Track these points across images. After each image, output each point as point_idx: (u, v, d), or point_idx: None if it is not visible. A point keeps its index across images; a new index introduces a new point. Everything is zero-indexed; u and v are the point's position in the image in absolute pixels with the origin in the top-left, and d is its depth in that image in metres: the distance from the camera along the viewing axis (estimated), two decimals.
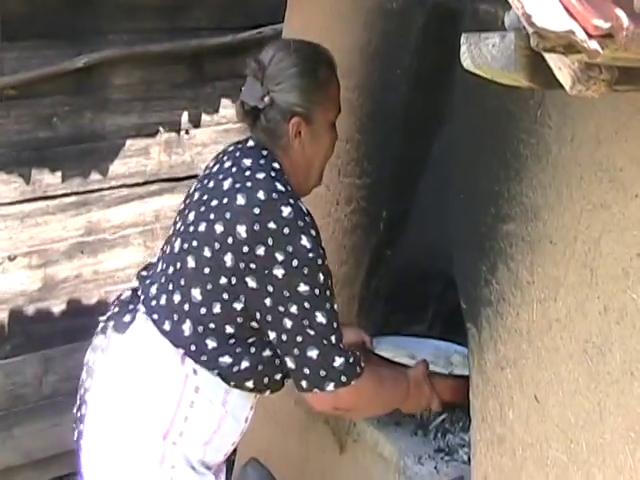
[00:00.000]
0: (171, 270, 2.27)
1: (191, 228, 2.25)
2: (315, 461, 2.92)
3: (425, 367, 2.49)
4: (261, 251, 2.13)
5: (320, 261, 2.17)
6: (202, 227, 2.21)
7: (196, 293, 2.20)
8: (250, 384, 2.25)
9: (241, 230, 2.14)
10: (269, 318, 2.18)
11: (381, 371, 2.41)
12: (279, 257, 2.13)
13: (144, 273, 2.43)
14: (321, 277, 2.17)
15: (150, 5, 4.07)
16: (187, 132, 4.30)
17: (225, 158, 2.34)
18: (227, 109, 4.37)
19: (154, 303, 2.28)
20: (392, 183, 2.69)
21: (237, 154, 2.32)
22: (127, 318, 2.31)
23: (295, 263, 2.13)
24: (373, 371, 2.32)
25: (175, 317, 2.23)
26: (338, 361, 2.20)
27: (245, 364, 2.22)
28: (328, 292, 2.19)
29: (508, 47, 1.39)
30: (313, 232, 2.18)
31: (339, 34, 2.84)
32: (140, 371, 2.26)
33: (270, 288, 2.15)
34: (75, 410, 2.36)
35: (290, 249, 2.13)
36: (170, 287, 2.26)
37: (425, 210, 2.63)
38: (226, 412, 2.27)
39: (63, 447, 3.98)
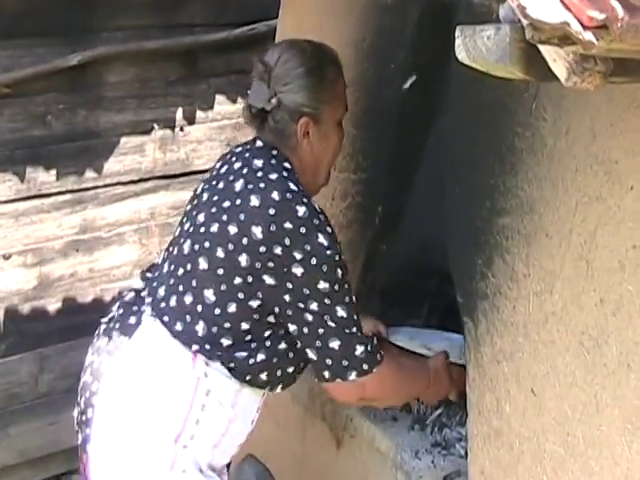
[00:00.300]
0: (181, 271, 2.27)
1: (202, 229, 2.24)
2: (312, 457, 2.91)
3: (445, 358, 2.51)
4: (278, 251, 2.14)
5: (337, 257, 2.19)
6: (214, 228, 2.21)
7: (209, 294, 2.20)
8: (264, 376, 2.25)
9: (256, 231, 2.14)
10: (289, 312, 2.19)
11: (401, 359, 2.45)
12: (297, 256, 2.14)
13: (149, 275, 2.42)
14: (339, 272, 2.19)
15: (144, 2, 4.06)
16: (182, 129, 4.29)
17: (234, 159, 2.33)
18: (222, 105, 4.37)
19: (163, 305, 2.27)
20: (387, 178, 2.69)
21: (246, 155, 2.31)
22: (132, 320, 2.30)
23: (314, 261, 2.15)
24: (393, 359, 2.36)
25: (188, 318, 2.22)
26: (359, 349, 2.22)
27: (261, 357, 2.23)
28: (346, 285, 2.22)
29: (503, 39, 1.38)
30: (329, 229, 2.20)
31: (333, 30, 2.84)
32: (151, 375, 2.25)
33: (289, 285, 2.16)
34: (78, 414, 2.33)
35: (308, 248, 2.15)
36: (180, 288, 2.25)
37: (421, 204, 2.63)
38: (235, 415, 2.27)
39: (59, 446, 3.99)
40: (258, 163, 2.26)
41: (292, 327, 2.21)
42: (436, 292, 2.68)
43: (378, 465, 2.62)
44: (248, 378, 2.24)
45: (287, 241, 2.14)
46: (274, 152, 2.28)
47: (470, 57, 1.45)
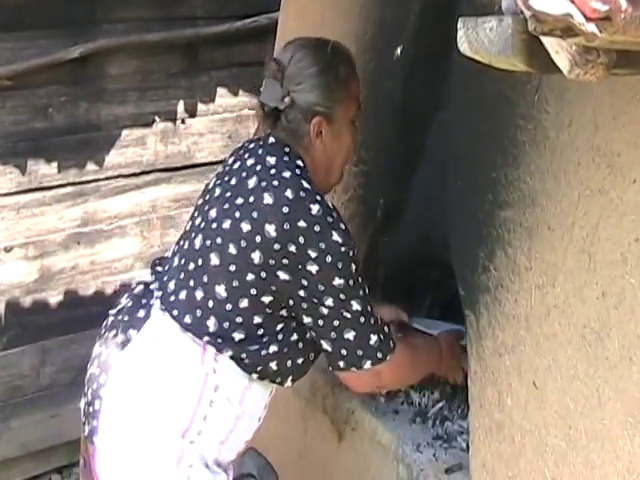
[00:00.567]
0: (191, 266, 2.26)
1: (214, 225, 2.24)
2: (314, 450, 2.92)
3: (457, 335, 2.55)
4: (293, 249, 2.14)
5: (352, 253, 2.20)
6: (227, 224, 2.21)
7: (220, 290, 2.19)
8: (274, 366, 2.25)
9: (270, 229, 2.15)
10: (304, 306, 2.20)
11: (413, 340, 2.48)
12: (312, 254, 2.15)
13: (159, 268, 2.42)
14: (353, 267, 2.20)
15: None
16: (183, 122, 4.29)
17: (246, 155, 2.33)
18: (223, 98, 4.37)
19: (173, 299, 2.26)
20: (389, 171, 2.68)
21: (260, 151, 2.31)
22: (141, 313, 2.29)
23: (329, 259, 2.15)
24: (406, 343, 2.38)
25: (198, 313, 2.21)
26: (373, 339, 2.25)
27: (273, 348, 2.23)
28: (360, 279, 2.23)
29: (505, 31, 1.38)
30: (342, 226, 2.21)
31: (335, 22, 2.84)
32: (160, 369, 2.24)
33: (304, 282, 2.17)
34: (85, 405, 2.32)
35: (323, 246, 2.15)
36: (191, 283, 2.24)
37: (423, 197, 2.63)
38: (243, 412, 2.27)
39: (61, 438, 4.00)
40: (271, 160, 2.25)
41: (307, 319, 2.22)
42: (438, 284, 2.67)
43: (379, 458, 2.62)
44: (259, 369, 2.23)
45: (301, 239, 2.14)
46: (287, 149, 2.28)
47: (472, 49, 1.44)
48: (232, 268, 2.18)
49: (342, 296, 2.19)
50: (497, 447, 2.18)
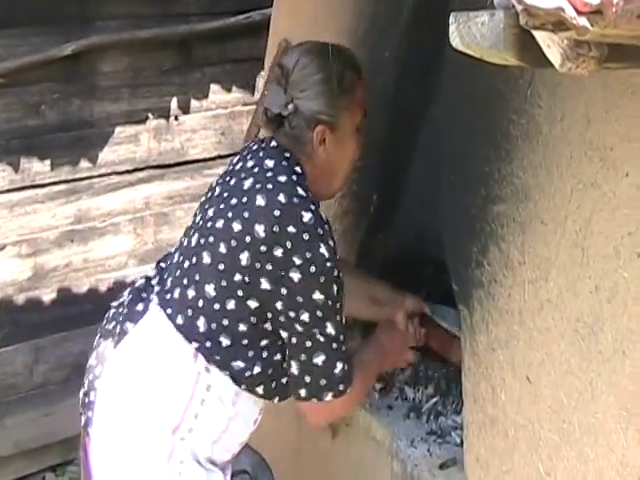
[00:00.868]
0: (187, 264, 2.27)
1: (209, 224, 2.24)
2: (308, 446, 2.92)
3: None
4: (279, 252, 2.13)
5: (336, 272, 2.17)
6: (219, 224, 2.21)
7: (210, 289, 2.19)
8: (260, 390, 2.25)
9: (259, 229, 2.14)
10: (281, 319, 2.18)
11: (362, 356, 2.41)
12: (297, 261, 2.13)
13: (162, 264, 2.42)
14: (335, 288, 2.17)
15: None
16: (176, 118, 4.28)
17: (249, 157, 2.32)
18: (216, 95, 4.37)
19: (168, 296, 2.27)
20: (382, 166, 2.68)
21: (260, 154, 2.30)
22: (140, 307, 2.31)
23: (313, 270, 2.13)
24: (358, 365, 2.32)
25: (189, 312, 2.22)
26: (339, 367, 2.22)
27: (257, 369, 2.22)
28: (339, 305, 2.20)
29: (497, 25, 1.38)
30: (331, 242, 2.18)
31: (328, 18, 2.83)
32: (153, 364, 2.25)
33: (284, 291, 2.15)
34: (83, 395, 2.34)
35: (308, 255, 2.13)
36: (185, 282, 2.25)
37: (416, 193, 2.63)
38: (236, 413, 2.26)
39: (54, 437, 3.99)
40: (269, 163, 2.25)
41: (284, 334, 2.21)
42: (432, 280, 2.67)
43: (374, 454, 2.62)
44: (244, 387, 2.23)
45: (289, 244, 2.13)
46: (287, 154, 2.26)
47: (464, 43, 1.44)
48: (221, 267, 2.18)
49: (319, 313, 2.16)
50: (491, 442, 2.18)
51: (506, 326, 2.11)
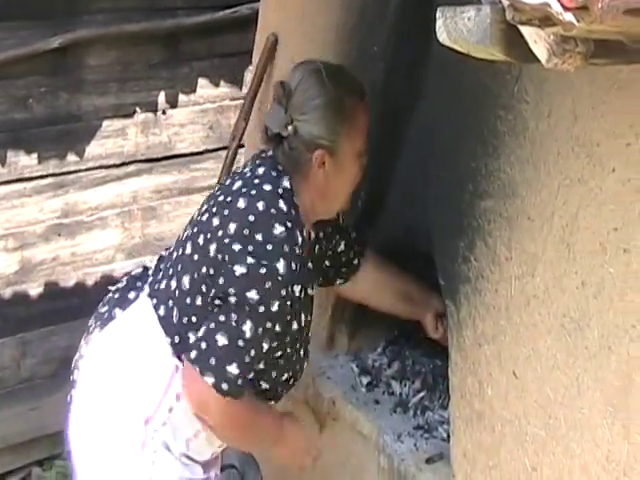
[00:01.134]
0: (174, 255, 2.30)
1: (198, 218, 2.27)
2: None
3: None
4: (237, 247, 2.12)
5: (285, 292, 2.12)
6: (204, 217, 2.23)
7: (186, 281, 2.21)
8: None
9: (231, 227, 2.15)
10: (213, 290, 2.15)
11: (263, 406, 2.33)
12: (249, 260, 2.10)
13: (163, 253, 2.45)
14: (275, 305, 2.11)
15: None
16: (164, 112, 4.27)
17: (250, 163, 2.34)
18: (204, 89, 4.36)
19: (157, 287, 2.30)
20: (370, 161, 2.67)
21: (257, 161, 2.32)
22: (132, 295, 2.35)
23: (262, 271, 2.10)
24: (253, 403, 2.26)
25: (170, 303, 2.24)
26: (232, 369, 2.12)
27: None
28: (270, 324, 2.13)
29: (484, 20, 1.37)
30: (294, 265, 2.13)
31: (316, 13, 2.83)
32: (133, 352, 2.27)
33: (222, 280, 2.12)
34: (71, 371, 2.39)
35: (264, 262, 2.10)
36: (170, 272, 2.28)
37: (404, 188, 2.63)
38: None
39: (41, 431, 3.98)
40: (259, 171, 2.26)
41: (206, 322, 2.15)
42: (420, 275, 2.67)
43: (361, 448, 2.63)
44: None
45: (250, 247, 2.11)
46: (280, 167, 2.26)
47: (451, 38, 1.44)
48: (195, 257, 2.20)
49: (247, 308, 2.10)
50: (478, 437, 2.18)
51: (493, 321, 2.11)
